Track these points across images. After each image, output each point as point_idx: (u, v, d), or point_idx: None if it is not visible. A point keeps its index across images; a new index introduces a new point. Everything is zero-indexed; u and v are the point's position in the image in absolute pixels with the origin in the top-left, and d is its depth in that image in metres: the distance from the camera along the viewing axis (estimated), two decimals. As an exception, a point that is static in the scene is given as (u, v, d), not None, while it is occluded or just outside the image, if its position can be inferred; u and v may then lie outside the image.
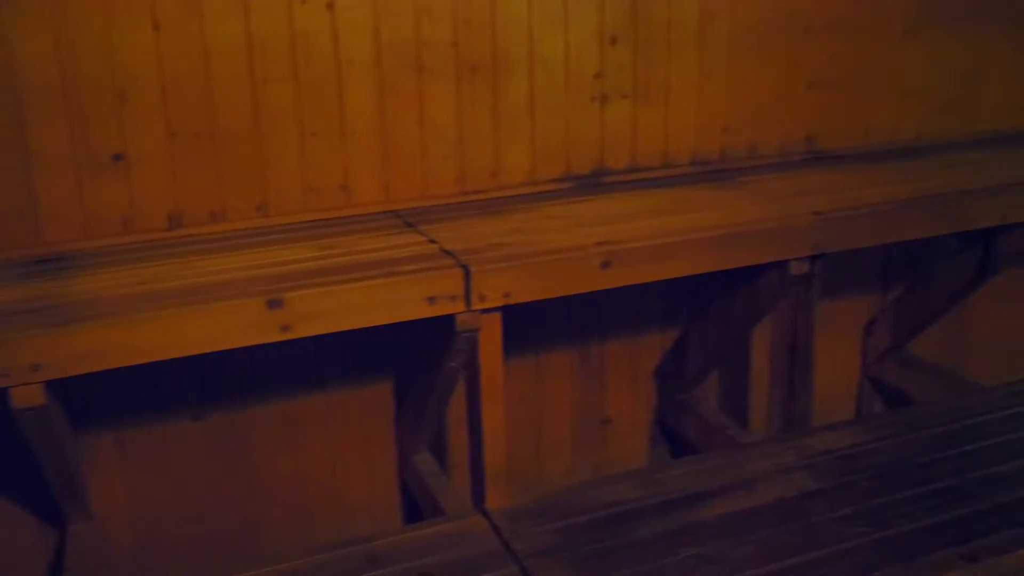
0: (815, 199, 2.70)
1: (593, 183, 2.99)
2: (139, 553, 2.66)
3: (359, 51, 2.63)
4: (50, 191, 2.41)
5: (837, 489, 2.33)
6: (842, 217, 2.57)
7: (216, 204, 2.58)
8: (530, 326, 2.91)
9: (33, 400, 1.91)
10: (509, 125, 2.85)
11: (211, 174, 2.56)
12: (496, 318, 2.27)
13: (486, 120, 2.82)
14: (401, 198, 2.77)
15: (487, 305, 2.23)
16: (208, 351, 2.02)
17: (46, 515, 2.53)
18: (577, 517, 2.29)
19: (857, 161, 3.21)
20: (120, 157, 2.45)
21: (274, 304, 2.05)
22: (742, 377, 3.16)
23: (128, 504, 2.62)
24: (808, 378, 2.73)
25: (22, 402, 1.90)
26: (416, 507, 2.90)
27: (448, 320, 2.23)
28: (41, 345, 1.88)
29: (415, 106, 2.73)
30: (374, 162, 2.72)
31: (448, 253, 2.31)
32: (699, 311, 2.99)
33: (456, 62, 2.74)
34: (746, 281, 2.65)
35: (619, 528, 2.23)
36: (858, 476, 2.39)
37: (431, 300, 2.18)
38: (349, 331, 2.15)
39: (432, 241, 2.43)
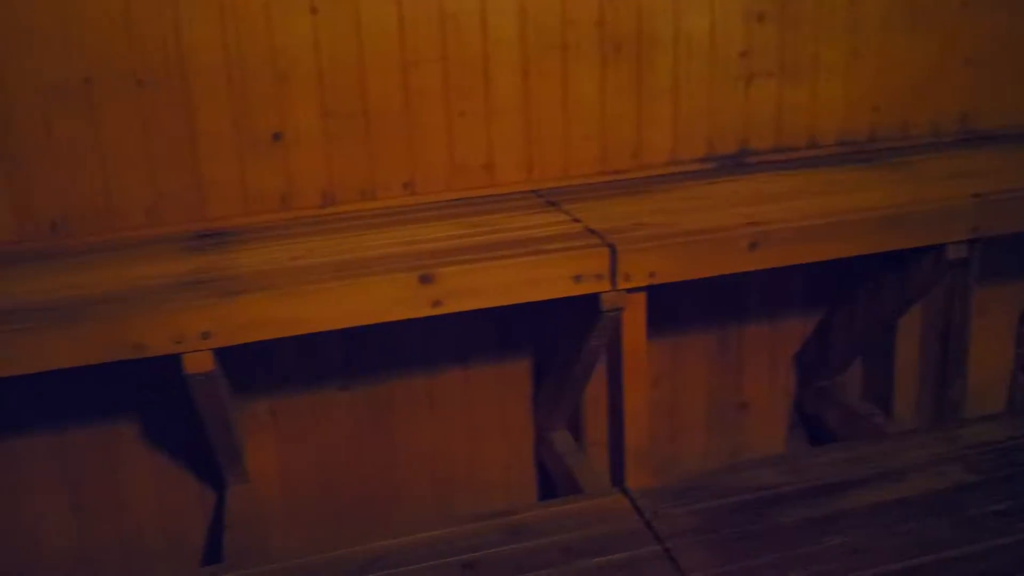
0: (974, 180, 2.59)
1: (736, 163, 2.94)
2: (288, 515, 2.78)
3: (505, 31, 2.66)
4: (214, 169, 2.53)
5: (994, 482, 2.24)
6: (1004, 199, 2.46)
7: (366, 182, 2.66)
8: (668, 307, 2.90)
9: (203, 366, 2.02)
10: (652, 104, 2.84)
11: (362, 153, 2.64)
12: (641, 298, 2.28)
13: (629, 99, 2.81)
14: (542, 177, 2.80)
15: (632, 284, 2.23)
16: (364, 323, 2.10)
17: (207, 477, 2.68)
18: (719, 500, 2.27)
19: (1015, 140, 3.06)
20: (279, 136, 2.56)
21: (426, 279, 2.11)
22: (887, 365, 3.06)
23: (279, 469, 2.74)
24: (962, 368, 2.63)
25: (193, 368, 2.01)
26: (550, 484, 2.94)
27: (593, 299, 2.24)
28: (211, 314, 1.99)
29: (559, 85, 2.74)
30: (517, 142, 2.75)
31: (593, 232, 2.32)
32: (845, 296, 2.92)
33: (601, 41, 2.74)
34: (898, 265, 2.57)
35: (763, 513, 2.21)
36: (1017, 470, 2.29)
37: (577, 279, 2.20)
38: (490, 308, 2.19)
39: (576, 220, 2.44)
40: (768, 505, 2.24)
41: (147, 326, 1.96)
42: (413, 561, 2.10)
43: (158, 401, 2.57)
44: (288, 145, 2.58)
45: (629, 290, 2.24)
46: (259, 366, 2.62)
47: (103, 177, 2.46)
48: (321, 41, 2.53)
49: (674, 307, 2.94)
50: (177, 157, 2.50)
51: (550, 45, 2.71)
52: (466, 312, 2.18)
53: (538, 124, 2.75)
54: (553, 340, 2.75)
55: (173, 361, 2.03)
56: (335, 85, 2.57)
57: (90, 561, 2.64)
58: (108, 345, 1.95)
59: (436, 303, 2.13)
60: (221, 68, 2.47)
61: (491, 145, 2.74)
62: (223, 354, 2.09)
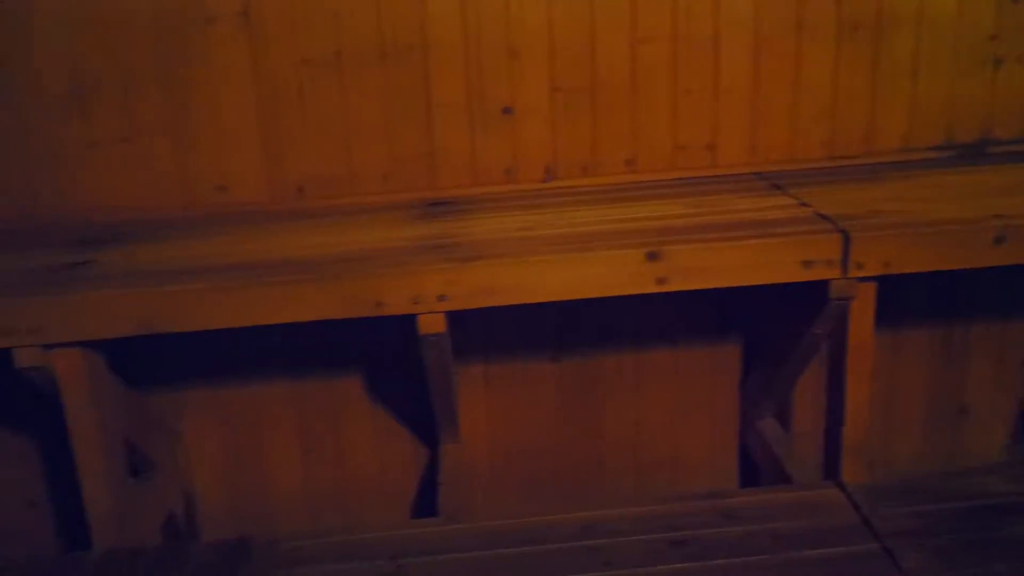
0: None
1: (977, 153, 2.79)
2: (494, 477, 2.89)
3: (739, 9, 2.62)
4: (446, 141, 2.64)
5: None
6: None
7: (588, 158, 2.70)
8: (892, 299, 2.78)
9: (436, 327, 2.12)
10: (887, 88, 2.73)
11: (586, 129, 2.68)
12: (871, 288, 2.21)
13: (863, 82, 2.71)
14: (766, 160, 2.75)
15: (864, 273, 2.17)
16: (590, 296, 2.14)
17: (421, 434, 2.81)
18: (942, 504, 2.19)
19: None
20: (509, 111, 2.63)
21: (653, 256, 2.13)
22: None
23: (488, 432, 2.85)
24: None
25: (427, 328, 2.12)
26: (753, 471, 2.91)
27: (820, 286, 2.19)
28: (447, 278, 2.09)
29: (791, 66, 2.68)
30: (742, 122, 2.72)
31: (824, 217, 2.27)
32: (1091, 299, 2.72)
33: (838, 20, 2.66)
34: None
35: (991, 522, 2.11)
36: None
37: (806, 264, 2.16)
38: (705, 290, 2.18)
39: (804, 204, 2.39)
40: (998, 514, 2.13)
41: (388, 286, 2.08)
42: (622, 533, 2.14)
43: (383, 359, 2.72)
44: (516, 119, 2.65)
45: (860, 279, 2.17)
46: (478, 332, 2.72)
47: (346, 145, 2.62)
48: (555, 17, 2.58)
49: (897, 300, 2.83)
50: (413, 128, 2.62)
51: (784, 24, 2.65)
52: (683, 292, 2.18)
53: (766, 105, 2.71)
54: (768, 325, 2.71)
55: (401, 321, 2.14)
56: (565, 61, 2.62)
57: (313, 501, 2.83)
58: (352, 302, 2.08)
59: (661, 280, 2.14)
60: (459, 43, 2.57)
61: (716, 125, 2.71)
62: (451, 317, 2.18)
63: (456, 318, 2.22)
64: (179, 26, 2.50)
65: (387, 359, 2.72)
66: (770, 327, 2.70)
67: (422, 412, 2.69)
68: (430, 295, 2.09)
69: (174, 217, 2.59)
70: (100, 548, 2.19)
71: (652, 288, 2.15)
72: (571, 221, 2.39)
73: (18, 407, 2.63)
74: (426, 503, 2.78)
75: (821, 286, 2.19)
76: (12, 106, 2.52)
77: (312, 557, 2.10)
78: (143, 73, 2.52)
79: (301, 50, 2.54)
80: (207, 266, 2.19)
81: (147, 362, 2.58)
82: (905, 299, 2.84)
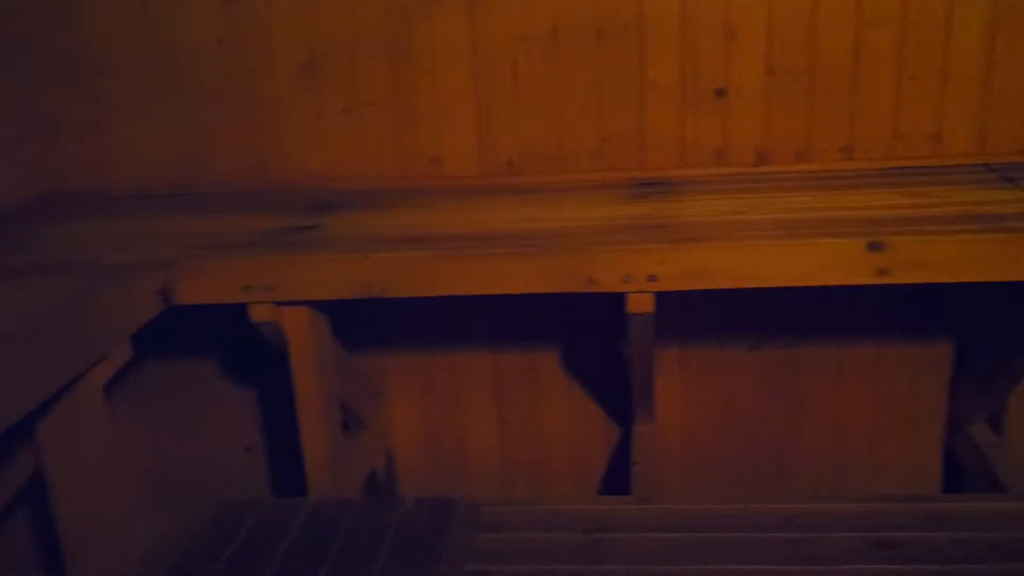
0: None
1: None
2: (685, 460, 2.88)
3: (977, -10, 2.49)
4: (657, 121, 2.64)
5: None
6: None
7: (802, 143, 2.64)
8: None
9: (644, 307, 2.13)
10: None
11: (801, 113, 2.61)
12: (1116, 292, 2.06)
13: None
14: (997, 151, 2.60)
15: (1107, 276, 2.02)
16: (804, 284, 2.09)
17: (613, 413, 2.84)
18: None
19: None
20: (721, 92, 2.60)
21: (875, 247, 2.06)
22: None
23: (682, 415, 2.84)
24: None
25: (635, 308, 2.14)
26: (958, 476, 2.78)
27: (1057, 287, 2.07)
28: (659, 258, 2.10)
29: (1030, 51, 2.52)
30: (971, 110, 2.58)
31: (1065, 214, 2.13)
32: None
33: (1088, 2, 2.48)
34: None
35: None
36: None
37: (1044, 263, 2.03)
38: (915, 284, 2.09)
39: (1041, 199, 2.25)
40: None
41: (600, 263, 2.11)
42: (823, 529, 2.10)
43: (582, 335, 2.76)
44: (729, 101, 2.62)
45: (1105, 282, 2.03)
46: (676, 315, 2.72)
47: (557, 121, 2.66)
48: (775, -1, 2.53)
49: None
50: (624, 106, 2.64)
51: (1026, 5, 2.49)
52: (893, 285, 2.10)
53: (1000, 92, 2.56)
54: (989, 325, 2.57)
55: (605, 299, 2.16)
56: (783, 41, 2.56)
57: (506, 471, 2.92)
58: (563, 277, 2.12)
59: (882, 272, 2.07)
60: (676, 21, 2.56)
61: (941, 113, 2.59)
62: (662, 298, 2.19)
63: (657, 299, 2.22)
64: (407, 3, 2.60)
65: (586, 336, 2.75)
66: (990, 327, 2.56)
67: (617, 390, 2.72)
68: (640, 274, 2.10)
69: (390, 187, 2.71)
70: (314, 496, 2.34)
71: (872, 279, 2.08)
72: (784, 207, 2.34)
73: (242, 359, 2.83)
74: (615, 481, 2.81)
75: (1058, 287, 2.06)
76: (247, 78, 2.70)
77: (511, 523, 2.16)
78: (369, 49, 2.65)
79: (519, 27, 2.59)
80: (426, 235, 2.28)
81: (358, 325, 2.72)
82: None
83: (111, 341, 1.92)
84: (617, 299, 2.15)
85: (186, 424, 2.90)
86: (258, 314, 2.18)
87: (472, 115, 2.66)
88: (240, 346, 2.68)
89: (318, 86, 2.69)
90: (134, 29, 2.70)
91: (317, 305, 2.25)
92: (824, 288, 2.11)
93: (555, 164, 2.68)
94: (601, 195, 2.53)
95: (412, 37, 2.63)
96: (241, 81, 2.71)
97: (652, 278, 2.11)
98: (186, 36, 2.69)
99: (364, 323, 2.74)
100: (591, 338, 2.73)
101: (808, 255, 2.09)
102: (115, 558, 1.95)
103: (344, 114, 2.70)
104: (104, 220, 2.57)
